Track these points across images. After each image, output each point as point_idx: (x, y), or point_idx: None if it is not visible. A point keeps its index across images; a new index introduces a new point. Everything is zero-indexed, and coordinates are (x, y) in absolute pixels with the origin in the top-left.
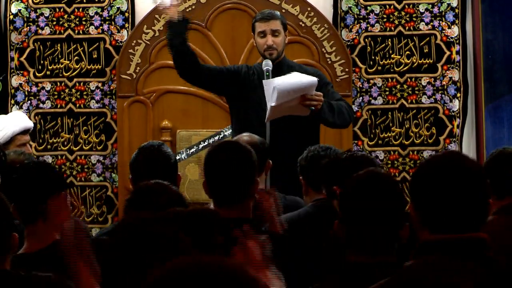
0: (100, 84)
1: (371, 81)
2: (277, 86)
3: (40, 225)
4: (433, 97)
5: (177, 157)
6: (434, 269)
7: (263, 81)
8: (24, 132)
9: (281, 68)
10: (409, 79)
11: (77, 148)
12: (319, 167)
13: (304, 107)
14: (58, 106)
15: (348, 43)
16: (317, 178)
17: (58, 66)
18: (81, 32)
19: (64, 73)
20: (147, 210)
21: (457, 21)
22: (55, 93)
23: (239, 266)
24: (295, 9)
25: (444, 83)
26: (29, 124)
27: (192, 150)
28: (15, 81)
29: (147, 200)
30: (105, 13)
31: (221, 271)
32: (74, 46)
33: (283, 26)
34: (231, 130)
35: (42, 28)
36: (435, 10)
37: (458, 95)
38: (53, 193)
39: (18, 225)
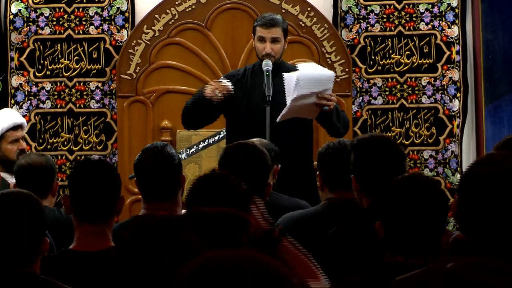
0: (100, 84)
1: (371, 81)
2: (299, 76)
3: (100, 226)
4: (433, 97)
5: None
6: (486, 270)
7: (284, 74)
8: (15, 128)
9: (278, 70)
10: (409, 79)
11: (77, 148)
12: (336, 163)
13: (316, 107)
14: (58, 106)
15: (348, 43)
16: (333, 175)
17: (58, 66)
18: (81, 32)
19: (64, 73)
20: (208, 202)
21: (457, 21)
22: (55, 93)
23: (273, 261)
24: (295, 9)
25: (444, 83)
26: (19, 119)
27: (192, 150)
28: (15, 81)
29: (208, 191)
30: (105, 13)
31: (255, 265)
32: (74, 46)
33: (284, 33)
34: (221, 135)
35: (42, 28)
36: (435, 10)
37: (458, 95)
38: (119, 195)
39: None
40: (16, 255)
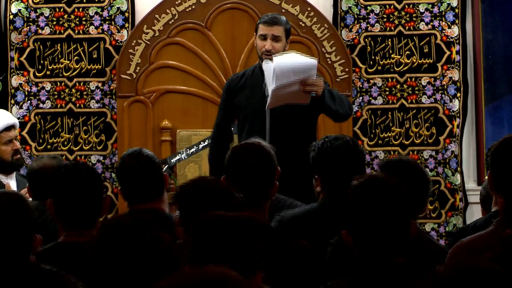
0: (100, 84)
1: (371, 81)
2: (276, 67)
3: (85, 233)
4: (433, 97)
5: (177, 157)
6: None
7: (263, 65)
8: (8, 128)
9: None
10: (409, 79)
11: (77, 148)
12: (335, 162)
13: (305, 93)
14: (58, 106)
15: (348, 43)
16: (333, 175)
17: (58, 66)
18: (81, 32)
19: (64, 73)
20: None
21: (457, 21)
22: (55, 93)
23: (240, 278)
24: (295, 9)
25: (444, 83)
26: (11, 120)
27: (192, 150)
28: (15, 81)
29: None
30: (105, 13)
31: (220, 283)
32: (74, 46)
33: (286, 33)
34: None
35: (42, 28)
36: (435, 10)
37: (458, 95)
38: (101, 198)
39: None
40: (8, 254)
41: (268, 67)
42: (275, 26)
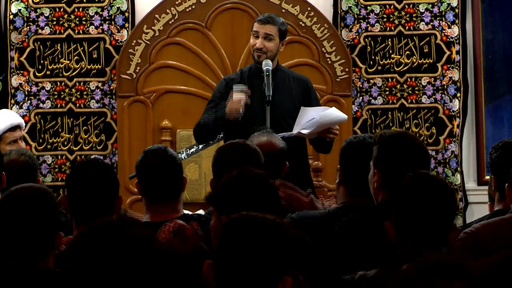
0: (100, 84)
1: (371, 81)
2: (319, 120)
3: None
4: (433, 97)
5: (177, 157)
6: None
7: (302, 108)
8: (13, 128)
9: (275, 72)
10: (409, 79)
11: (77, 148)
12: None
13: (322, 135)
14: (58, 106)
15: (348, 43)
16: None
17: (58, 66)
18: (81, 32)
19: (64, 73)
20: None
21: (457, 21)
22: (55, 93)
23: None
24: (295, 9)
25: (444, 83)
26: (17, 120)
27: (192, 150)
28: (15, 81)
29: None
30: (105, 13)
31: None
32: (74, 46)
33: (280, 33)
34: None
35: (42, 28)
36: (435, 10)
37: (458, 95)
38: (117, 196)
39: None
40: (31, 249)
41: (306, 112)
42: (268, 25)
